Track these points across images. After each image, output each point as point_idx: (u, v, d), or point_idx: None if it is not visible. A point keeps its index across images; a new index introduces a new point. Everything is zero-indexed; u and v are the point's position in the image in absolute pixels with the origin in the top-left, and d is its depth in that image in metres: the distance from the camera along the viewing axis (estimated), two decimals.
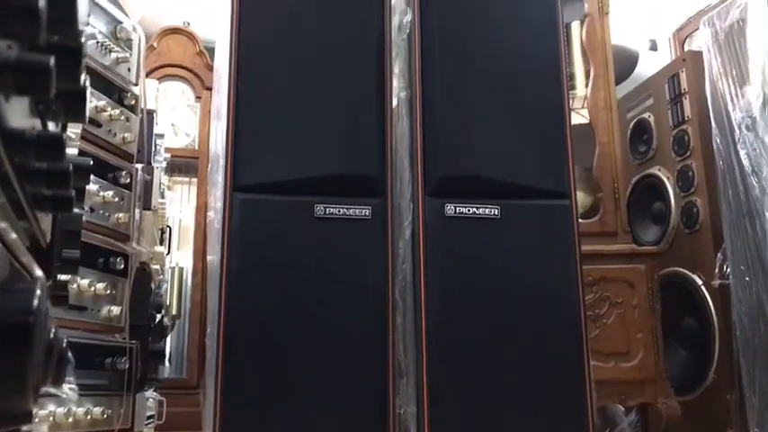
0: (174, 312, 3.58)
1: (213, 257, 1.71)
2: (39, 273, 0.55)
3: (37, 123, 0.44)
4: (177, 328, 3.72)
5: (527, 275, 1.68)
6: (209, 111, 3.17)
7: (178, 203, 4.00)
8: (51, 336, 0.44)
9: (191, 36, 3.79)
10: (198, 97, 3.76)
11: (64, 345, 0.48)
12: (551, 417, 1.64)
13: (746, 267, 2.15)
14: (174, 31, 3.80)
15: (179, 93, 3.80)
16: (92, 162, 1.52)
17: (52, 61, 0.34)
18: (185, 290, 3.66)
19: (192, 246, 3.60)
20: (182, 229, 3.99)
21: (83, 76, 0.46)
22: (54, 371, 0.45)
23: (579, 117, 2.68)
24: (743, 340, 2.16)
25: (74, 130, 0.80)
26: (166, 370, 3.44)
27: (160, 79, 3.65)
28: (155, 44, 3.72)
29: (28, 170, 0.42)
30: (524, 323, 1.66)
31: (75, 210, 0.75)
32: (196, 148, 3.69)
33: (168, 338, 3.47)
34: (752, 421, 2.10)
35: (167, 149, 2.80)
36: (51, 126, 0.49)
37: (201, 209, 3.34)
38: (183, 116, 3.79)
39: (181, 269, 3.69)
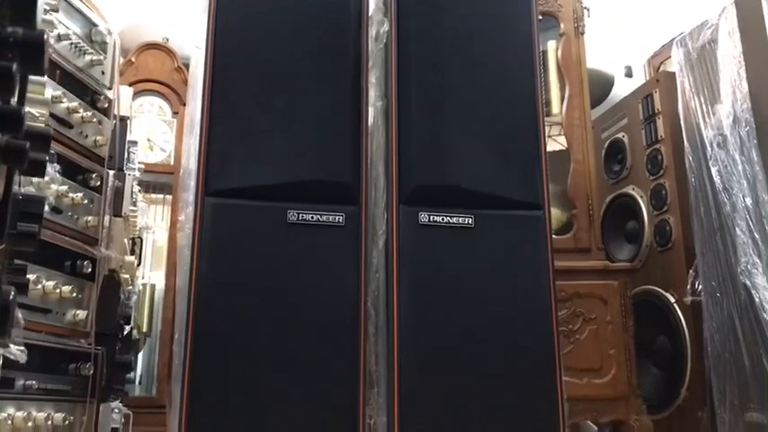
0: (144, 330, 3.52)
1: (182, 262, 1.68)
2: None
3: None
4: (148, 346, 3.66)
5: (500, 285, 1.67)
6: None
7: (152, 222, 3.95)
8: None
9: (169, 52, 3.78)
10: (175, 113, 3.74)
11: (10, 297, 0.46)
12: (523, 431, 1.62)
13: (717, 283, 2.17)
14: (153, 46, 3.80)
15: (156, 108, 3.79)
16: (62, 162, 1.50)
17: None
18: (156, 307, 3.60)
19: (165, 267, 3.55)
20: (155, 249, 3.94)
21: (39, 19, 0.44)
22: None
23: (557, 144, 2.71)
24: (714, 357, 2.17)
25: (40, 110, 0.79)
26: (136, 389, 3.37)
27: (137, 94, 3.64)
28: (133, 59, 3.71)
29: None
30: (497, 335, 1.64)
31: (37, 179, 0.73)
32: (172, 163, 3.66)
33: (139, 357, 3.41)
34: None
35: (142, 163, 2.77)
36: None
37: (176, 226, 3.30)
38: (160, 131, 3.77)
39: (152, 285, 3.64)
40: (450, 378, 1.60)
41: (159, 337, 3.49)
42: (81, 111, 1.65)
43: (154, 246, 3.88)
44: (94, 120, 1.70)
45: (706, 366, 2.24)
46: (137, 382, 3.48)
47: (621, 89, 3.62)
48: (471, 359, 1.62)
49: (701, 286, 2.27)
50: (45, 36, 0.47)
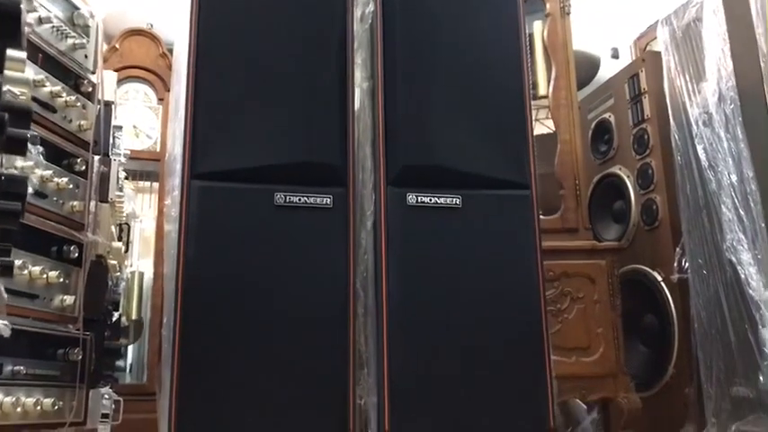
0: (134, 317, 3.51)
1: (169, 246, 1.68)
2: None
3: None
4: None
5: (488, 265, 1.68)
6: None
7: (140, 210, 3.93)
8: None
9: (154, 38, 3.74)
10: (160, 99, 3.70)
11: None
12: (512, 410, 1.63)
13: (704, 260, 2.19)
14: (137, 32, 3.75)
15: (141, 95, 3.75)
16: (45, 146, 1.49)
17: None
18: (145, 295, 3.59)
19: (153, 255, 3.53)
20: (143, 238, 3.93)
21: None
22: None
23: (544, 128, 2.70)
24: (701, 333, 2.19)
25: (21, 89, 0.78)
26: (127, 377, 3.37)
27: (122, 81, 3.60)
28: (117, 45, 3.67)
29: None
30: (485, 314, 1.65)
31: (20, 164, 0.73)
32: (158, 150, 3.63)
33: (129, 347, 3.40)
34: (709, 412, 2.12)
35: (128, 150, 2.75)
36: None
37: (163, 213, 3.28)
38: (146, 118, 3.74)
39: (141, 273, 3.63)
40: (438, 358, 1.61)
41: (149, 324, 3.48)
42: (64, 95, 1.63)
43: (141, 234, 3.87)
44: (78, 104, 1.68)
45: (693, 343, 2.26)
46: (127, 371, 3.47)
47: (608, 71, 3.62)
48: (460, 339, 1.63)
49: (687, 264, 2.29)
50: (21, 4, 0.46)
